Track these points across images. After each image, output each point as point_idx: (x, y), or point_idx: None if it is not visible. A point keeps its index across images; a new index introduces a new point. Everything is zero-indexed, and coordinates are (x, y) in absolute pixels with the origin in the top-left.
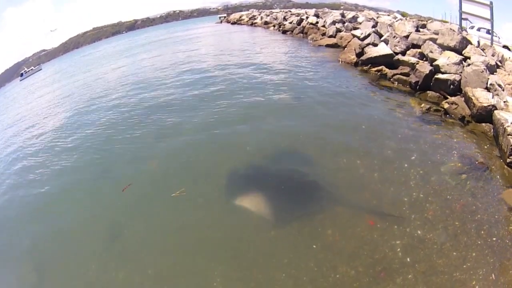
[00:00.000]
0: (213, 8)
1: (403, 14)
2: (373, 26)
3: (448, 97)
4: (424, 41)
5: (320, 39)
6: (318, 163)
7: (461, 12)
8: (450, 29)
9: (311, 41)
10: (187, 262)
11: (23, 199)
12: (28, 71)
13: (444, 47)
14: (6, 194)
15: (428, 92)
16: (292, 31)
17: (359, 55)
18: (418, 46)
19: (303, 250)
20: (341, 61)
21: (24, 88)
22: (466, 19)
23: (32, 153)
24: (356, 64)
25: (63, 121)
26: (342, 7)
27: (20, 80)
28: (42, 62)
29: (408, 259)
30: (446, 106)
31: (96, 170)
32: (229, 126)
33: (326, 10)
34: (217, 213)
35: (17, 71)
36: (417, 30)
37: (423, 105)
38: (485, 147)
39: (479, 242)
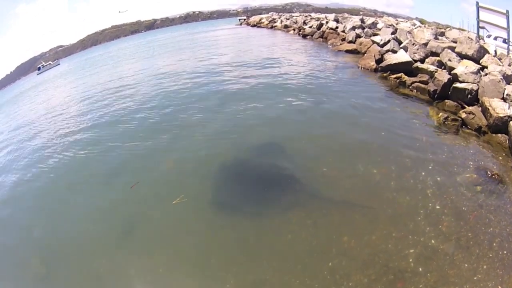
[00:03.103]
0: (233, 10)
1: (422, 21)
2: (393, 33)
3: (466, 106)
4: (443, 49)
5: (340, 44)
6: (335, 168)
7: (478, 21)
8: (468, 37)
9: (330, 46)
10: (200, 262)
11: (34, 191)
12: (46, 65)
13: (462, 56)
14: (19, 185)
15: (446, 101)
16: (312, 36)
17: (379, 61)
18: (437, 54)
19: (318, 255)
20: (361, 67)
21: (43, 81)
22: (483, 27)
23: (47, 145)
24: (375, 71)
25: (84, 116)
26: (361, 13)
27: (37, 74)
28: (59, 57)
29: (420, 269)
30: (463, 116)
31: (109, 165)
32: (248, 131)
33: (346, 15)
34: (232, 215)
35: (34, 65)
36: (436, 38)
37: (440, 114)
38: (500, 158)
39: (491, 255)
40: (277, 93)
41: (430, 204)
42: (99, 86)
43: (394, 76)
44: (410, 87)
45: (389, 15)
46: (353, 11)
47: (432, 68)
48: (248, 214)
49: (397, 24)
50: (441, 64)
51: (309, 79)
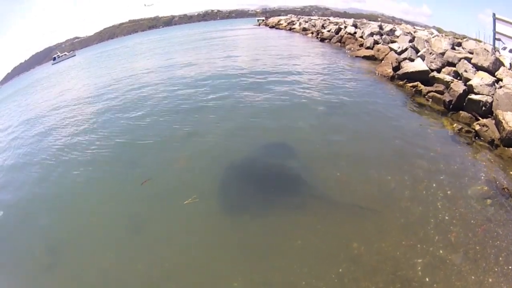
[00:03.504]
0: (252, 10)
1: (439, 30)
2: (410, 41)
3: (480, 118)
4: (459, 59)
5: (358, 49)
6: (348, 174)
7: (494, 32)
8: (485, 49)
9: (348, 51)
10: (208, 261)
11: (44, 182)
12: (62, 55)
13: (478, 67)
14: (29, 175)
15: (461, 112)
16: (330, 40)
17: (396, 69)
18: (453, 64)
19: (326, 260)
20: (378, 74)
21: (58, 72)
22: (499, 39)
23: (59, 138)
24: (392, 78)
25: (97, 109)
26: (379, 19)
27: (52, 64)
28: (75, 48)
29: (428, 279)
30: (477, 128)
31: (121, 160)
32: (261, 132)
33: (365, 21)
34: (243, 217)
35: (49, 55)
36: (453, 48)
37: (455, 125)
38: (511, 172)
39: (496, 269)
40: (292, 96)
41: (440, 215)
42: (113, 81)
43: (411, 84)
44: (426, 96)
45: (407, 22)
46: (372, 17)
47: (448, 78)
48: (259, 216)
49: (415, 32)
50: (457, 75)
51: (325, 84)
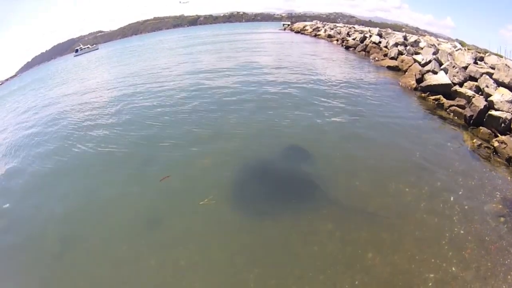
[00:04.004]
0: (277, 15)
1: (462, 44)
2: (434, 53)
3: (499, 135)
4: (481, 74)
5: (382, 59)
6: (368, 184)
7: None
8: (506, 64)
9: (372, 61)
10: (223, 261)
11: (63, 172)
12: (84, 48)
13: (499, 83)
14: (47, 165)
15: (480, 127)
16: (355, 48)
17: (419, 81)
18: (475, 79)
19: (341, 269)
20: (401, 85)
21: (79, 64)
22: None
23: (81, 128)
24: (415, 90)
25: (120, 104)
26: (403, 29)
27: (74, 56)
28: (98, 42)
29: None
30: (495, 144)
31: (142, 156)
32: (283, 137)
33: (390, 31)
34: (261, 220)
35: (71, 47)
36: (475, 62)
37: (474, 140)
38: None
39: (504, 287)
40: (316, 103)
41: (455, 230)
42: (136, 77)
43: (433, 97)
44: (448, 110)
45: (431, 34)
46: (396, 27)
47: (470, 93)
48: (276, 220)
49: (438, 44)
50: (478, 90)
51: (348, 93)
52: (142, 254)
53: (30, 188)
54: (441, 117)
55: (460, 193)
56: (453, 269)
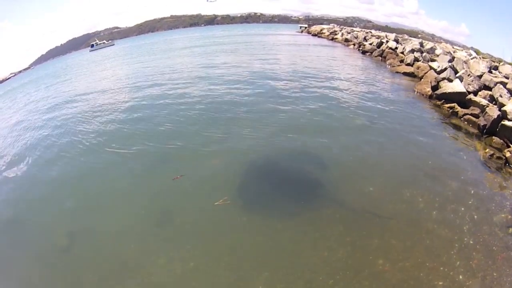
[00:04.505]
0: (294, 17)
1: (477, 52)
2: (450, 61)
3: (511, 145)
4: (495, 83)
5: (398, 65)
6: (381, 190)
7: None
8: None
9: (389, 66)
10: (232, 262)
11: (75, 168)
12: (100, 43)
13: None
14: (60, 160)
15: (493, 137)
16: (371, 53)
17: (434, 88)
18: (490, 88)
19: (351, 274)
20: (416, 92)
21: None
22: None
23: (98, 125)
24: (430, 97)
25: (134, 102)
26: (419, 35)
27: (90, 51)
28: (114, 38)
29: None
30: (507, 155)
31: (155, 154)
32: (298, 139)
33: (406, 36)
34: (273, 223)
35: (87, 42)
36: (490, 71)
37: (487, 150)
38: None
39: None
40: (329, 107)
41: (465, 239)
42: (153, 75)
43: (448, 105)
44: (462, 118)
45: (446, 41)
46: (412, 33)
47: (484, 102)
48: (289, 224)
49: (454, 52)
50: (492, 99)
51: (364, 98)
52: (151, 252)
53: (39, 183)
54: (455, 125)
55: (470, 202)
56: (460, 277)
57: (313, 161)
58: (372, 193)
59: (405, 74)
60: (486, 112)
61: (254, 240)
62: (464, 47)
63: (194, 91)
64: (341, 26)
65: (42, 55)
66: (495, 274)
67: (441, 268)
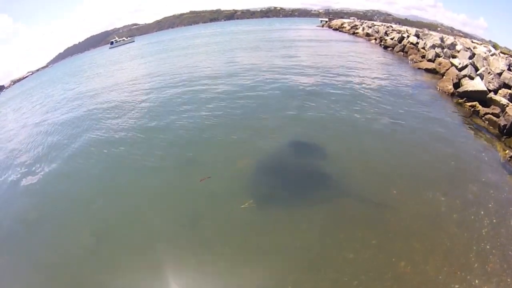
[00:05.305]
0: (314, 10)
1: (495, 46)
2: (470, 57)
3: None
4: None
5: (420, 61)
6: (405, 192)
7: None
8: None
9: (410, 62)
10: (262, 263)
11: (104, 168)
12: (120, 41)
13: None
14: (88, 160)
15: None
16: (393, 48)
17: (456, 85)
18: (509, 87)
19: (374, 276)
20: (439, 89)
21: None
22: None
23: (126, 125)
24: (452, 95)
25: (159, 101)
26: (439, 29)
27: (109, 48)
28: (133, 35)
29: None
30: None
31: (184, 155)
32: (321, 144)
33: (426, 31)
34: (300, 224)
35: (105, 39)
36: (509, 69)
37: (507, 151)
38: None
39: None
40: (354, 107)
41: (483, 243)
42: (174, 74)
43: (469, 104)
44: (483, 118)
45: (465, 34)
46: (432, 26)
47: (504, 101)
48: (314, 225)
49: (474, 48)
50: None
51: (386, 96)
52: (182, 253)
53: (67, 181)
54: (476, 124)
55: (490, 206)
56: (476, 281)
57: (337, 163)
58: (396, 195)
59: (427, 70)
60: (506, 112)
61: (281, 241)
62: (483, 41)
63: (218, 91)
64: (362, 20)
65: (60, 53)
66: (509, 280)
67: (459, 272)
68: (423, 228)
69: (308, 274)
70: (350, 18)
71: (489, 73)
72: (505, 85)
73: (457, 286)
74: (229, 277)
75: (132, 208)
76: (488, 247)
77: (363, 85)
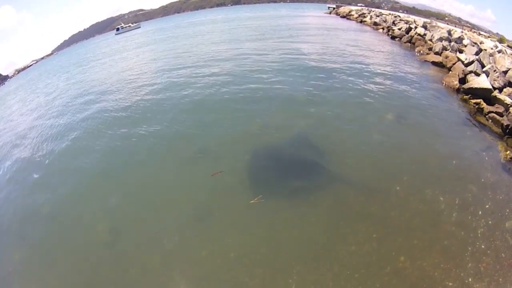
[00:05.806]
0: None
1: (502, 39)
2: (476, 53)
3: None
4: None
5: (427, 53)
6: (407, 190)
7: None
8: None
9: (417, 54)
10: (268, 255)
11: (118, 164)
12: (126, 27)
13: None
14: (102, 154)
15: None
16: (401, 38)
17: (462, 81)
18: None
19: (374, 270)
20: (444, 84)
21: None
22: None
23: (138, 119)
24: (457, 91)
25: (175, 97)
26: (446, 18)
27: (115, 34)
28: (139, 20)
29: None
30: None
31: (196, 150)
32: (334, 138)
33: (434, 23)
34: (306, 218)
35: (111, 25)
36: None
37: (508, 152)
38: None
39: None
40: (361, 98)
41: (478, 243)
42: (185, 63)
43: (474, 101)
44: (487, 116)
45: (472, 25)
46: (439, 16)
47: (508, 100)
48: (320, 220)
49: (481, 43)
50: None
51: (391, 90)
52: (194, 245)
53: (80, 175)
54: (480, 122)
55: (488, 207)
56: (470, 279)
57: (344, 159)
58: (399, 192)
59: (433, 63)
60: (510, 111)
61: (289, 234)
62: (490, 33)
63: (227, 82)
64: (369, 9)
65: (65, 40)
66: (500, 279)
67: (454, 270)
68: (422, 225)
69: (311, 266)
70: (358, 5)
71: (494, 70)
72: (510, 84)
73: (451, 283)
74: (238, 267)
75: (146, 203)
76: (483, 247)
77: (371, 79)
